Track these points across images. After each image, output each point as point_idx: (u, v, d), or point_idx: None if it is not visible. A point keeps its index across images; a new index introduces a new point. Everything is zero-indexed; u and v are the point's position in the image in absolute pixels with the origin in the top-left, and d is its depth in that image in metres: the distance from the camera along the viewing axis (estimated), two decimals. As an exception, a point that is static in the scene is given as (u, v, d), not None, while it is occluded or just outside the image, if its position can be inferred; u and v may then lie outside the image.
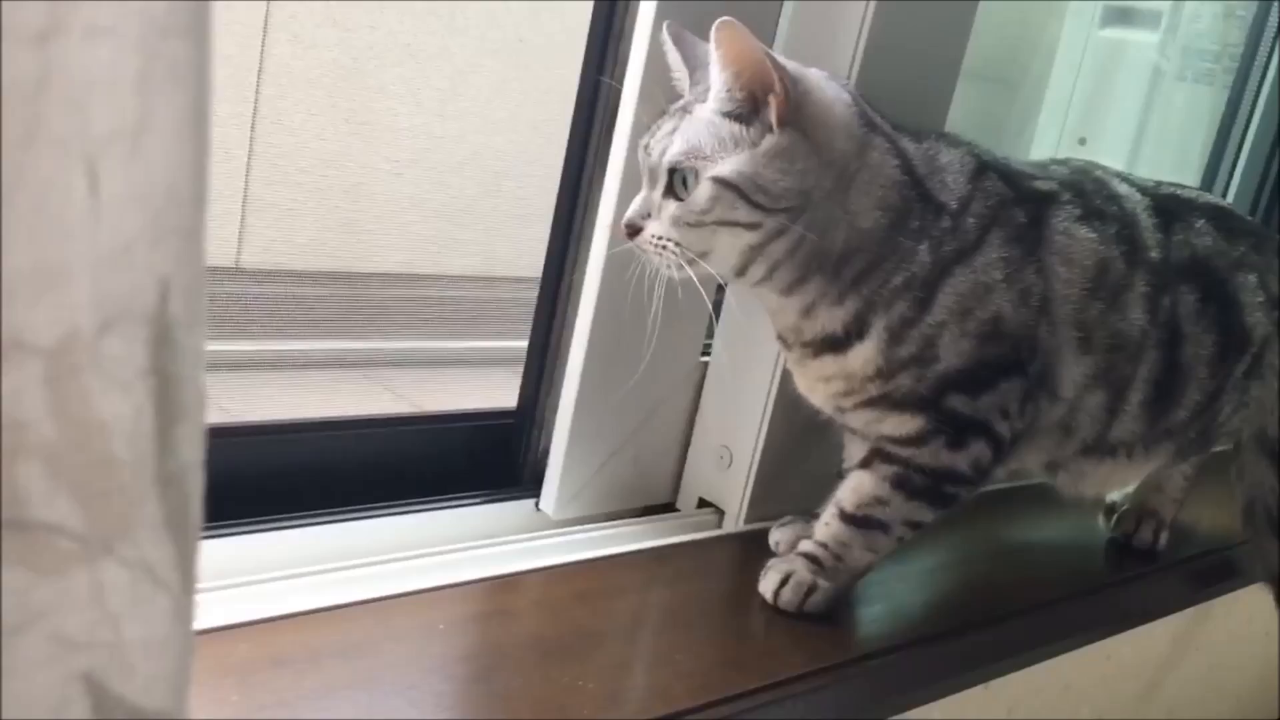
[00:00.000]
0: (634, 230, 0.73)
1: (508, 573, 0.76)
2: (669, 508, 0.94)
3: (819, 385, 0.79)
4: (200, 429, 0.34)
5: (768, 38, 0.84)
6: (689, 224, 0.71)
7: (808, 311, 0.76)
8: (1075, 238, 0.81)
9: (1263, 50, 1.54)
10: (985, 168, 0.80)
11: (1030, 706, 0.95)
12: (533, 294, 0.90)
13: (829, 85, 0.75)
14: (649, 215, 0.73)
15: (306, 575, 0.70)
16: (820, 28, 0.85)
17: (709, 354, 0.93)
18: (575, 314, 0.85)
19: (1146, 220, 0.87)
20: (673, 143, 0.72)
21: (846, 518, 0.79)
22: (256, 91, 1.41)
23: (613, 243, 0.81)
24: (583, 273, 0.85)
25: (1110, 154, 1.80)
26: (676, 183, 0.72)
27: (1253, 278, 0.93)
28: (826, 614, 0.78)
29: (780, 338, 0.80)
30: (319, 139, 1.52)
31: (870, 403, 0.78)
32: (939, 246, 0.76)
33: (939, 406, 0.77)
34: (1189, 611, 1.09)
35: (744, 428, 0.90)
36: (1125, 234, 0.85)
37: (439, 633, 0.67)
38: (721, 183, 0.70)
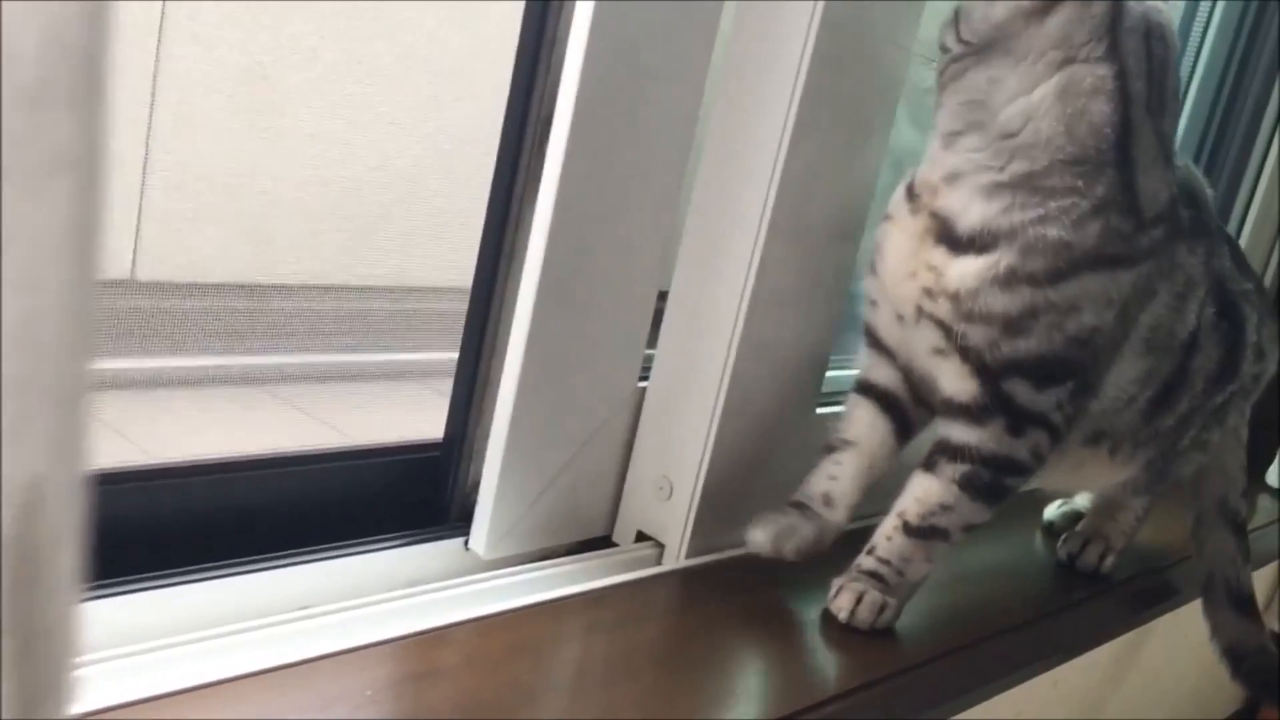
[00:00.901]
0: None
1: (439, 625, 0.69)
2: (605, 541, 0.89)
3: (915, 272, 0.76)
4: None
5: (708, 39, 0.79)
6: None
7: (953, 178, 0.74)
8: (1184, 265, 0.82)
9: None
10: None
11: None
12: (449, 305, 0.84)
13: None
14: None
15: (208, 640, 0.63)
16: (766, 29, 0.81)
17: (647, 378, 0.88)
18: (506, 336, 0.80)
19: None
20: None
21: (912, 530, 0.78)
22: (153, 95, 1.32)
23: (548, 261, 0.75)
24: (515, 292, 0.79)
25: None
26: None
27: (1253, 316, 0.92)
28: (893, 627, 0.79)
29: (914, 194, 0.77)
30: (220, 145, 1.43)
31: (940, 325, 0.75)
32: (1107, 235, 0.74)
33: (998, 386, 0.75)
34: (1132, 632, 1.07)
35: (685, 456, 0.85)
36: (1208, 244, 0.86)
37: (367, 700, 0.60)
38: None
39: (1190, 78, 1.52)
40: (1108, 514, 1.02)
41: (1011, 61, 0.73)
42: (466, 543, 0.81)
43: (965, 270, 0.74)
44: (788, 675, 0.75)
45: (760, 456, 0.88)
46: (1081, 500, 1.08)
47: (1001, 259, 0.73)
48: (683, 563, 0.85)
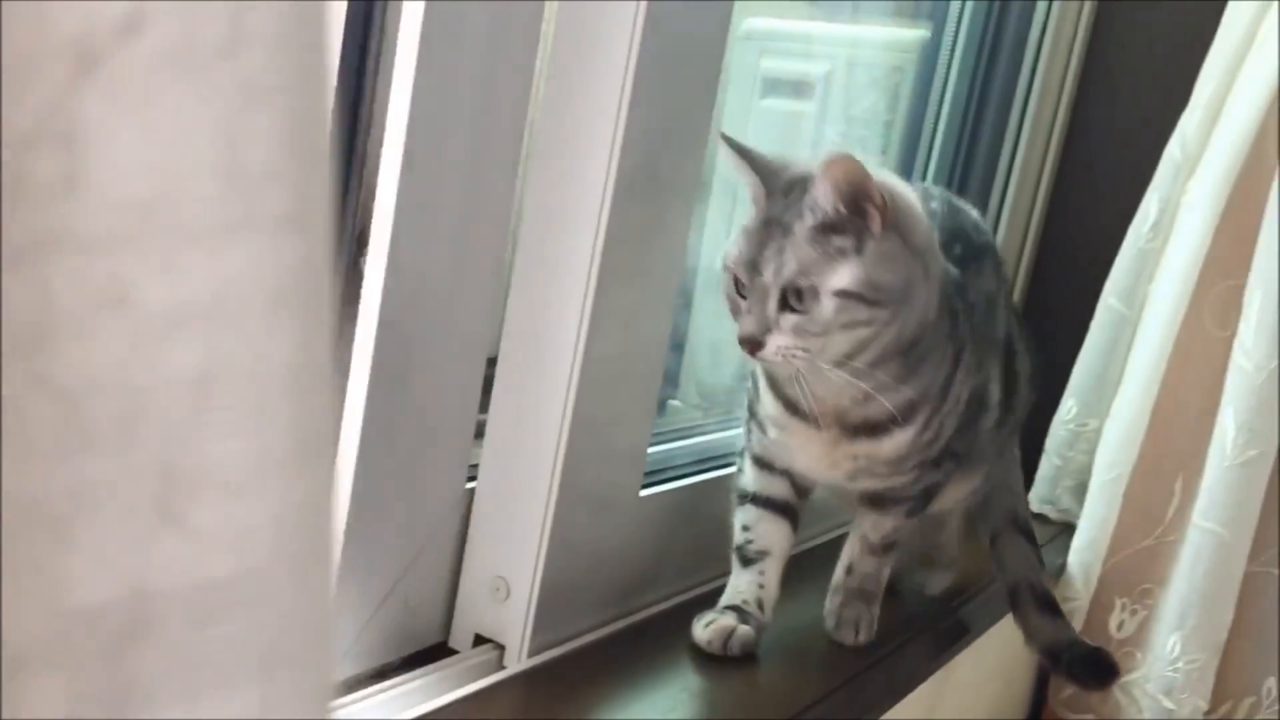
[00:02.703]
0: (756, 345, 0.81)
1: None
2: (443, 648, 0.88)
3: (837, 463, 0.90)
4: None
5: (531, 40, 0.79)
6: (814, 333, 0.80)
7: (867, 396, 0.85)
8: (979, 288, 0.96)
9: (928, 124, 1.68)
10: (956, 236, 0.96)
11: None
12: None
13: (904, 186, 0.87)
14: (769, 330, 0.80)
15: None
16: (590, 28, 0.81)
17: (475, 479, 0.87)
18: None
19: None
20: (785, 263, 0.80)
21: (876, 549, 0.98)
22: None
23: (380, 349, 0.74)
24: (339, 404, 0.77)
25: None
26: (791, 297, 0.80)
27: (1021, 345, 1.07)
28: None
29: (803, 416, 0.88)
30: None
31: (879, 476, 0.92)
32: (960, 334, 0.90)
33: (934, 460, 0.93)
34: (936, 675, 1.14)
35: (520, 555, 0.85)
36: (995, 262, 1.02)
37: None
38: (844, 294, 0.79)
39: (941, 99, 1.65)
40: (930, 538, 1.13)
41: None
42: (302, 670, 0.78)
43: (897, 441, 0.89)
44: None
45: (593, 545, 0.89)
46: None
47: (921, 418, 0.89)
48: (525, 663, 0.85)
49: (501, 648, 0.86)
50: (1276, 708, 1.47)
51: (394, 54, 0.72)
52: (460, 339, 0.80)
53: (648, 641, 0.93)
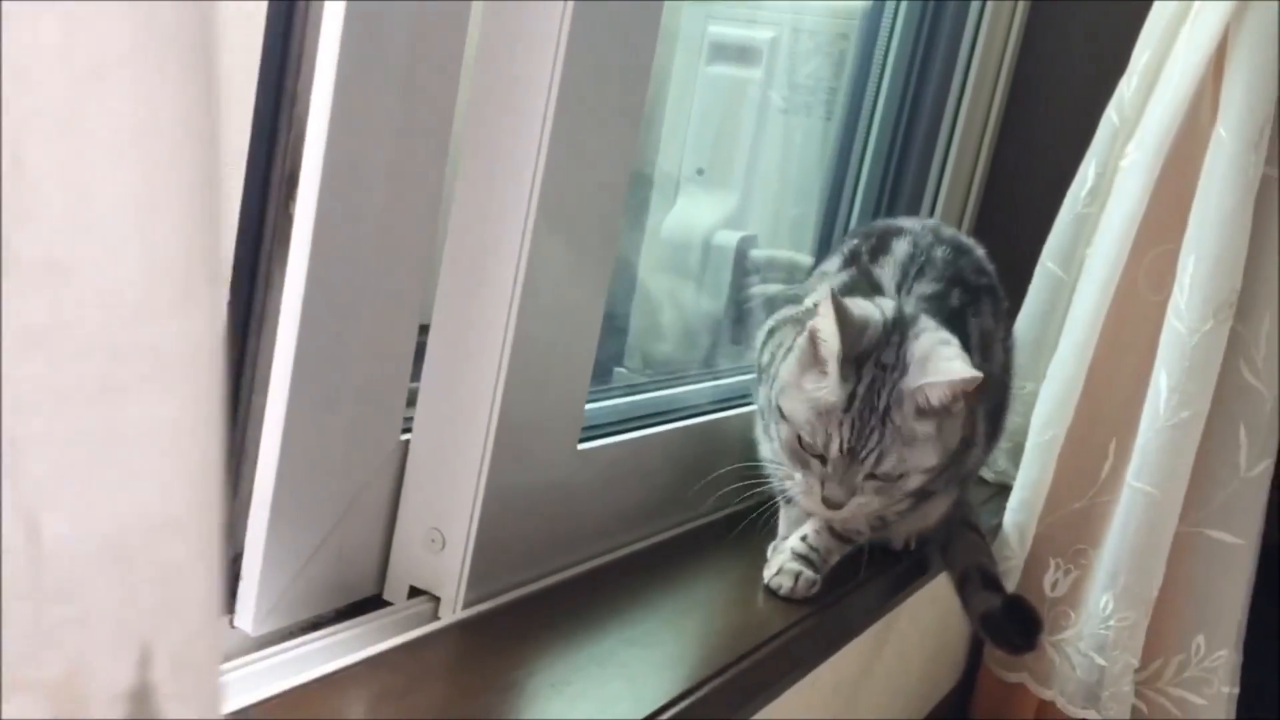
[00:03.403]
0: (836, 507, 0.92)
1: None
2: (377, 601, 0.87)
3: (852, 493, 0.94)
4: None
5: (457, 41, 0.78)
6: (893, 496, 0.93)
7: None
8: (978, 328, 1.07)
9: (870, 90, 1.68)
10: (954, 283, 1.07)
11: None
12: None
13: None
14: (853, 494, 0.91)
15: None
16: (516, 29, 0.80)
17: (410, 431, 0.86)
18: (264, 401, 0.76)
19: None
20: (885, 457, 0.89)
21: (835, 535, 1.03)
22: None
23: (306, 318, 0.73)
24: (269, 356, 0.76)
25: (728, 184, 1.89)
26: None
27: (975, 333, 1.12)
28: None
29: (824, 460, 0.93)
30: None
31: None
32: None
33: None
34: (874, 628, 1.15)
35: (456, 506, 0.84)
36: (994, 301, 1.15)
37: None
38: (930, 470, 0.92)
39: (884, 65, 1.66)
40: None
41: None
42: (232, 621, 0.77)
43: (917, 480, 0.95)
44: (583, 712, 0.75)
45: (530, 497, 0.89)
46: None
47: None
48: (461, 614, 0.84)
49: (436, 600, 0.85)
50: (1205, 664, 1.50)
51: (325, -11, 0.71)
52: (395, 284, 0.79)
53: (587, 595, 0.92)
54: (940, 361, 0.90)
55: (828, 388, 0.89)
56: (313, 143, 0.72)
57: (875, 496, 0.91)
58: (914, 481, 0.92)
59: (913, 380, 0.89)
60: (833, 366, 0.89)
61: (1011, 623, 1.16)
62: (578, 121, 0.82)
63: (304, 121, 0.73)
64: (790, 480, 0.96)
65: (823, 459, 0.91)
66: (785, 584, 0.99)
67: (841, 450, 0.89)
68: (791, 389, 0.93)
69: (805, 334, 0.92)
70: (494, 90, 0.81)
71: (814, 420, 0.90)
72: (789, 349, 0.97)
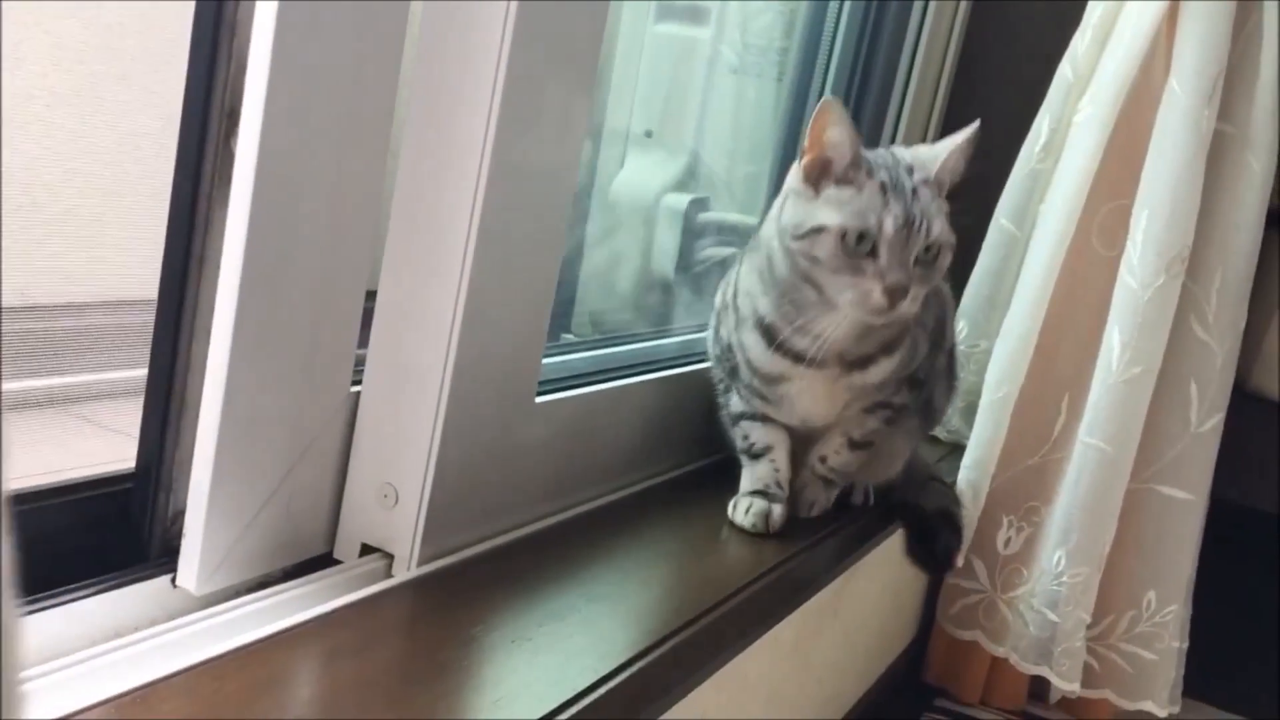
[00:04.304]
0: (900, 295, 0.91)
1: (160, 676, 0.62)
2: (327, 559, 0.83)
3: (834, 397, 1.03)
4: None
5: (397, 38, 0.75)
6: (930, 284, 0.95)
7: (872, 331, 0.98)
8: None
9: (823, 49, 1.66)
10: None
11: (721, 707, 0.95)
12: (74, 322, 0.76)
13: None
14: (910, 282, 0.91)
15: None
16: (458, 27, 0.77)
17: (360, 383, 0.83)
18: (204, 349, 0.72)
19: None
20: (934, 223, 0.92)
21: (854, 445, 1.08)
22: None
23: (248, 266, 0.69)
24: (209, 302, 0.72)
25: (678, 146, 1.87)
26: (924, 254, 0.92)
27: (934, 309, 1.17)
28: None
29: (806, 363, 0.99)
30: None
31: (867, 398, 1.05)
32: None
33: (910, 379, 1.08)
34: (834, 584, 1.14)
35: (409, 461, 0.81)
36: None
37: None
38: (951, 248, 0.95)
39: (837, 22, 1.64)
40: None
41: None
42: (174, 580, 0.74)
43: (884, 368, 1.02)
44: (545, 667, 0.73)
45: (487, 450, 0.86)
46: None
47: (904, 348, 1.03)
48: (415, 571, 0.81)
49: (390, 557, 0.82)
50: (1156, 619, 1.51)
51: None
52: (343, 227, 0.75)
53: (548, 551, 0.90)
54: (933, 147, 0.97)
55: (859, 181, 0.92)
56: (254, 77, 0.68)
57: (921, 288, 0.92)
58: (944, 262, 0.95)
59: (926, 166, 0.94)
60: (859, 164, 0.92)
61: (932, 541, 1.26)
62: (533, 66, 0.78)
63: (244, 54, 0.69)
64: (832, 309, 0.95)
65: (874, 251, 0.91)
66: (757, 522, 1.03)
67: (897, 226, 0.90)
68: (815, 207, 0.93)
69: (806, 158, 0.94)
70: (446, 32, 0.77)
71: (857, 213, 0.91)
72: (765, 220, 1.04)
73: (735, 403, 1.10)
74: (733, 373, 1.08)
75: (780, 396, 1.04)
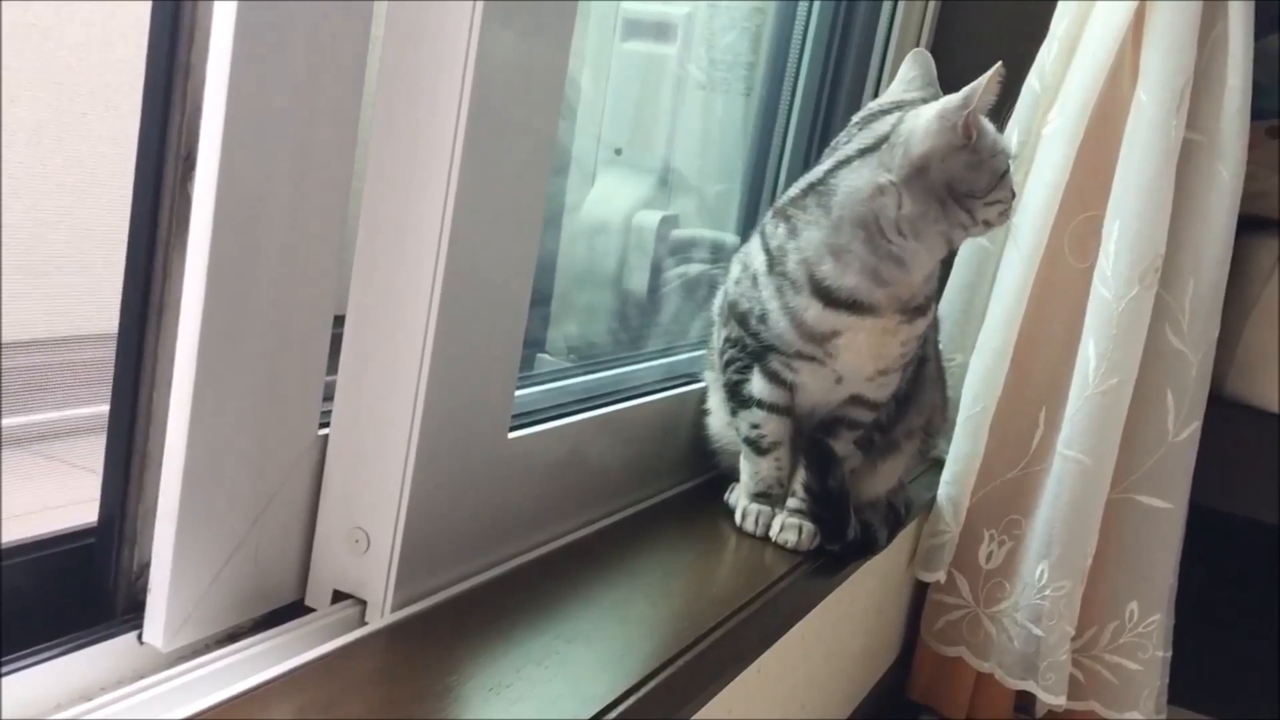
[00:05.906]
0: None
1: (127, 742, 0.60)
2: (298, 607, 0.81)
3: (884, 349, 1.05)
4: None
5: (360, 39, 0.73)
6: None
7: (931, 278, 1.06)
8: None
9: (791, 58, 1.65)
10: None
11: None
12: (39, 359, 0.74)
13: None
14: None
15: None
16: (423, 29, 0.75)
17: (328, 425, 0.81)
18: (165, 399, 0.70)
19: None
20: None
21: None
22: None
23: (210, 304, 0.67)
24: (170, 344, 0.70)
25: (648, 164, 1.86)
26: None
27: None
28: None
29: (863, 311, 1.03)
30: None
31: (887, 372, 1.08)
32: None
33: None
34: (816, 609, 1.12)
35: (380, 503, 0.79)
36: None
37: None
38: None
39: (804, 36, 1.64)
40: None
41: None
42: (140, 636, 0.71)
43: (923, 324, 1.07)
44: (523, 714, 0.71)
45: (460, 489, 0.84)
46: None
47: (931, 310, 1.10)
48: (389, 618, 0.79)
49: (363, 603, 0.80)
50: (1139, 629, 1.51)
51: (217, -50, 0.65)
52: (305, 269, 0.74)
53: (524, 590, 0.88)
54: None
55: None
56: (210, 118, 0.67)
57: None
58: None
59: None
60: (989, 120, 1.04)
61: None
62: (498, 90, 0.77)
63: (199, 95, 0.68)
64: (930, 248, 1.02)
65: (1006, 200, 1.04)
66: (790, 538, 1.08)
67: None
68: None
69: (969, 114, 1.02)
70: (407, 61, 0.76)
71: (991, 175, 1.01)
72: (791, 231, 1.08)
73: (757, 386, 1.09)
74: (758, 354, 1.08)
75: (828, 353, 1.05)
